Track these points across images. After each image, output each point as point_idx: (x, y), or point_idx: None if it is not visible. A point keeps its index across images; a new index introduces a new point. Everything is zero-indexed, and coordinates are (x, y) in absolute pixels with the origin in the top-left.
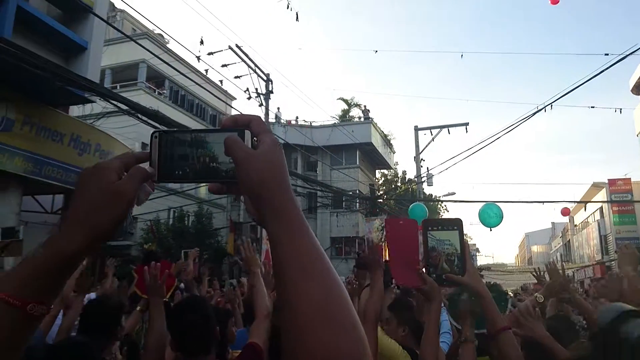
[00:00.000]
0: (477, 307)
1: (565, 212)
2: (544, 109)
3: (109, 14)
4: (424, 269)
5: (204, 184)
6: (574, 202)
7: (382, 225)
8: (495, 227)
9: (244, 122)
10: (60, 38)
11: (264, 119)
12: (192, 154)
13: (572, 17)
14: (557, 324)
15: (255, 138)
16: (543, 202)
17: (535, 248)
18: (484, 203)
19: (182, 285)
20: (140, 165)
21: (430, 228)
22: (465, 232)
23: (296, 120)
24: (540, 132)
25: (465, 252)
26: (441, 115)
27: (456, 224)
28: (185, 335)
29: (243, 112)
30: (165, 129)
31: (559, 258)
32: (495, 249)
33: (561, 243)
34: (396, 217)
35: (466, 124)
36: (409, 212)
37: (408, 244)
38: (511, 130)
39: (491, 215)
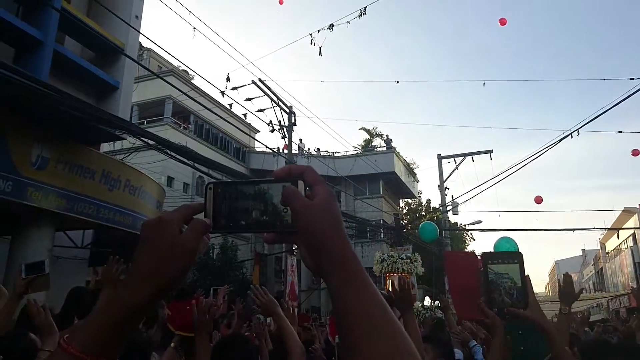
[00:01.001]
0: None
1: (537, 200)
2: (570, 135)
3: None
4: (484, 303)
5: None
6: (605, 228)
7: (382, 257)
8: None
9: (297, 173)
10: (93, 79)
11: (286, 151)
12: (245, 205)
13: (594, 42)
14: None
15: (307, 188)
16: (573, 229)
17: None
18: (499, 238)
19: None
20: (196, 217)
21: (490, 261)
22: None
23: (317, 151)
24: (567, 158)
25: (527, 285)
26: (465, 143)
27: (516, 258)
28: None
29: (274, 145)
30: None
31: (591, 287)
32: None
33: (593, 271)
34: (424, 247)
35: (490, 152)
36: (420, 231)
37: (468, 277)
38: (537, 157)
39: (509, 249)
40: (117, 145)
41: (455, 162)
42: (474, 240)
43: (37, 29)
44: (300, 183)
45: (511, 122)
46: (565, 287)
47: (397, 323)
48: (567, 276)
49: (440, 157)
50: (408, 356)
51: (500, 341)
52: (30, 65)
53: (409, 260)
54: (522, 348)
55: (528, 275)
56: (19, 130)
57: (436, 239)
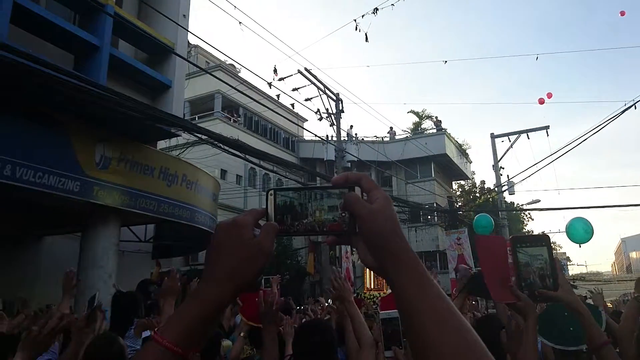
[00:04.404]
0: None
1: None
2: (633, 106)
3: None
4: (515, 286)
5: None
6: None
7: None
8: (585, 243)
9: (354, 180)
10: (147, 79)
11: (335, 138)
12: (304, 210)
13: None
14: None
15: (364, 194)
16: (638, 204)
17: (634, 254)
18: (572, 218)
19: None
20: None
21: (518, 245)
22: (553, 241)
23: (356, 136)
24: (630, 130)
25: (557, 267)
26: (519, 120)
27: (544, 240)
28: (309, 356)
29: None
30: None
31: None
32: (588, 256)
33: None
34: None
35: (547, 127)
36: (474, 225)
37: (499, 261)
38: (598, 131)
39: (586, 230)
40: (173, 141)
41: (510, 141)
42: (533, 220)
43: (93, 35)
44: (357, 189)
45: (568, 96)
46: None
47: (461, 316)
48: None
49: (493, 137)
50: (476, 347)
51: (534, 323)
52: (89, 70)
53: None
54: (571, 329)
55: (557, 258)
56: (82, 132)
57: (491, 232)
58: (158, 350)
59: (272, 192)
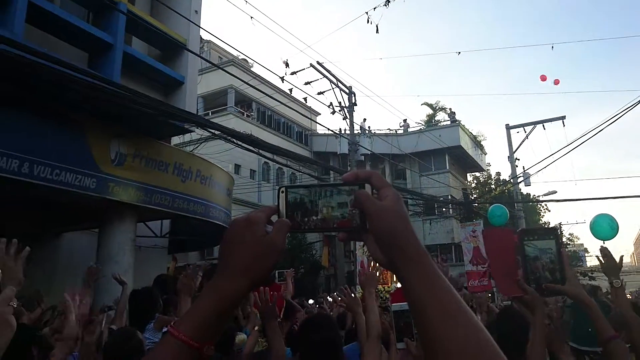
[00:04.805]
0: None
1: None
2: None
3: None
4: (522, 279)
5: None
6: None
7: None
8: (610, 239)
9: (364, 177)
10: (160, 75)
11: (348, 131)
12: (316, 206)
13: None
14: None
15: (375, 191)
16: None
17: None
18: (596, 214)
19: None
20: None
21: (526, 238)
22: (571, 232)
23: (369, 129)
24: None
25: (564, 260)
26: (535, 111)
27: (552, 233)
28: (313, 354)
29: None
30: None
31: None
32: (607, 248)
33: None
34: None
35: (563, 118)
36: (489, 215)
37: (507, 254)
38: (615, 121)
39: (612, 226)
40: (186, 137)
41: (525, 132)
42: (549, 211)
43: (106, 33)
44: (367, 186)
45: (584, 85)
46: (608, 261)
47: (471, 313)
48: (603, 249)
49: (508, 127)
50: (485, 343)
51: (541, 318)
52: (103, 67)
53: None
54: (589, 330)
55: (564, 251)
56: (97, 130)
57: (506, 222)
58: (174, 343)
59: (283, 189)
